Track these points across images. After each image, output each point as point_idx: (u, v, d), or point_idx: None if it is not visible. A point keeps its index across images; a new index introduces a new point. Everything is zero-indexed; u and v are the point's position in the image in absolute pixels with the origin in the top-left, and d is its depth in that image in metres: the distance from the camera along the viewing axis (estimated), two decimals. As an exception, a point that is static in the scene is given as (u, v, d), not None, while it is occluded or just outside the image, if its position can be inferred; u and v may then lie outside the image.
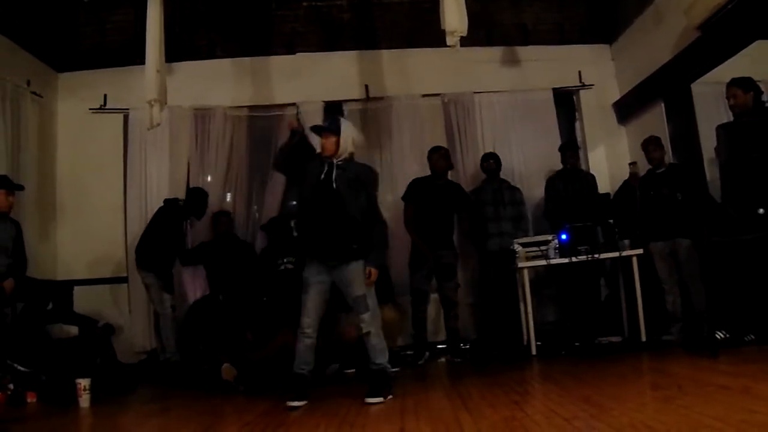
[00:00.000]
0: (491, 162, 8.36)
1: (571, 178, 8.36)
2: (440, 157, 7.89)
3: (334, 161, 5.36)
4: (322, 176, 5.32)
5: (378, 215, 5.53)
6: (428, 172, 7.93)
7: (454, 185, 8.11)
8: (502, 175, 8.48)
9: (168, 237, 7.93)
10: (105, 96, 8.96)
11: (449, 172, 8.17)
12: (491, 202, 8.21)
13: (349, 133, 5.43)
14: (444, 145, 8.51)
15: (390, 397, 5.07)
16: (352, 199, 5.30)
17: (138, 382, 7.20)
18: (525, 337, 7.65)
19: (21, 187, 7.13)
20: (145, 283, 7.97)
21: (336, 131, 5.36)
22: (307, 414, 4.64)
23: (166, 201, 8.21)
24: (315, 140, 5.71)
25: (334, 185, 5.28)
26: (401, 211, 7.89)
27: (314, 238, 5.33)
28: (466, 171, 8.98)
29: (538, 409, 4.18)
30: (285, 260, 7.73)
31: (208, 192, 8.45)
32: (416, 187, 7.84)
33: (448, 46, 7.11)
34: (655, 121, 8.33)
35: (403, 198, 7.91)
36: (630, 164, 7.79)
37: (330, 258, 5.28)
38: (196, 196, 8.24)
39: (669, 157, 7.76)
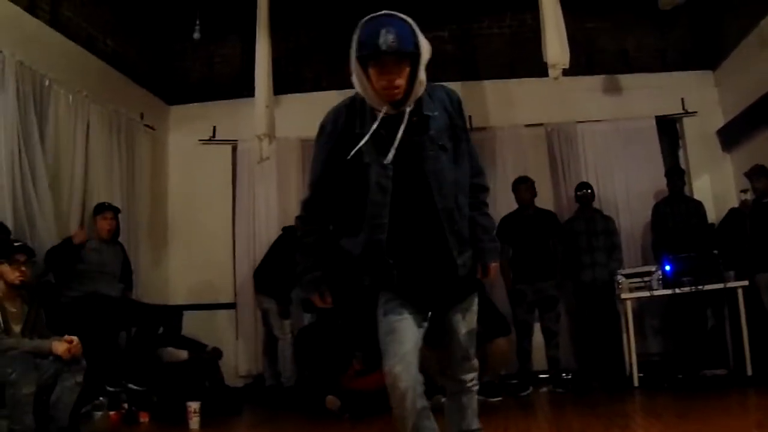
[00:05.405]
0: (587, 191, 8.23)
1: (678, 203, 8.26)
2: (527, 189, 7.93)
3: (407, 110, 2.97)
4: (391, 152, 2.93)
5: (481, 172, 3.39)
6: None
7: (544, 212, 8.09)
8: (603, 205, 8.46)
9: (286, 265, 8.00)
10: (214, 128, 9.28)
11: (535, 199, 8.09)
12: (584, 232, 8.11)
13: (426, 49, 2.94)
14: (547, 174, 8.57)
15: None
16: (449, 161, 3.08)
17: (243, 406, 7.43)
18: (627, 369, 7.56)
19: (116, 209, 7.21)
20: (264, 308, 8.17)
21: (413, 50, 2.87)
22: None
23: (284, 229, 8.41)
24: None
25: (426, 152, 2.99)
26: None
27: (406, 272, 3.01)
28: (569, 200, 8.85)
29: (641, 444, 4.18)
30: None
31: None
32: (507, 224, 7.84)
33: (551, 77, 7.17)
34: (762, 148, 8.09)
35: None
36: (742, 191, 7.67)
37: (434, 302, 3.09)
38: None
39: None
